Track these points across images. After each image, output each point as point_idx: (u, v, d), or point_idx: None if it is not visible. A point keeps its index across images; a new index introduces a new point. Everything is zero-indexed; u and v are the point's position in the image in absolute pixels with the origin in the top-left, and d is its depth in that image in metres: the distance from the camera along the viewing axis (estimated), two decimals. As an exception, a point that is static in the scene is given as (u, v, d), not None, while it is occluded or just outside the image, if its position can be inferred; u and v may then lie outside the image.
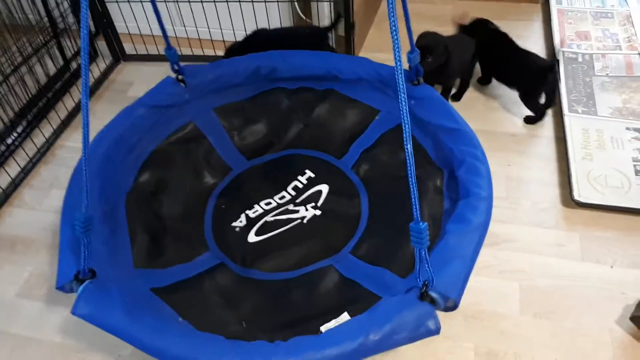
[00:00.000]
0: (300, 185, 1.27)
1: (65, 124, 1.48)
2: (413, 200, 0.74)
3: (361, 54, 1.65)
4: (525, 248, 1.14)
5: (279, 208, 1.22)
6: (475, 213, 0.96)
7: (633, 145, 1.29)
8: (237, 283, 1.07)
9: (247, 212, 1.21)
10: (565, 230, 1.16)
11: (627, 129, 1.33)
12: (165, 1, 1.59)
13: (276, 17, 1.58)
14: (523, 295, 1.06)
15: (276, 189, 1.26)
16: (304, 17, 1.67)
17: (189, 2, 1.56)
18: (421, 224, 0.75)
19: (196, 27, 1.62)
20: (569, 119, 1.35)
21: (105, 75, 1.64)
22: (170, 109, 1.26)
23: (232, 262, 1.11)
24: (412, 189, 0.73)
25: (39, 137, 1.43)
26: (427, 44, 1.29)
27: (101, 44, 1.69)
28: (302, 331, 0.88)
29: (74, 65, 1.63)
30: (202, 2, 1.54)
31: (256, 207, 1.22)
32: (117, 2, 1.56)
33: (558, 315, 1.02)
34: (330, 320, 0.93)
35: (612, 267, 1.09)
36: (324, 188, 1.26)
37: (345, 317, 0.93)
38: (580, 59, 1.52)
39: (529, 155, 1.32)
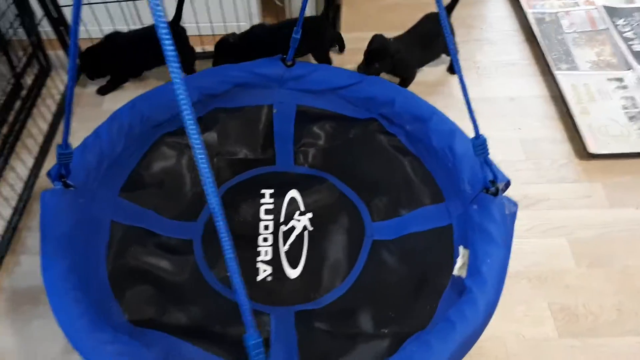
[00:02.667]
0: (271, 206, 1.19)
1: (44, 150, 1.31)
2: (471, 117, 0.85)
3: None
4: (559, 204, 1.21)
5: (277, 235, 1.15)
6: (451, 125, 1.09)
7: (618, 94, 1.41)
8: (330, 312, 1.02)
9: (260, 259, 1.11)
10: (588, 182, 1.25)
11: (609, 79, 1.45)
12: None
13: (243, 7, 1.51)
14: (573, 249, 1.13)
15: (252, 224, 1.16)
16: (278, 2, 1.60)
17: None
18: (481, 137, 0.86)
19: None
20: (558, 77, 1.44)
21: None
22: (81, 225, 0.94)
23: (302, 305, 1.04)
24: (468, 108, 0.84)
25: (17, 168, 1.25)
26: (376, 49, 1.33)
27: (58, 54, 1.49)
28: (437, 288, 0.95)
29: (26, 82, 1.43)
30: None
31: (260, 249, 1.12)
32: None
33: (608, 261, 1.12)
34: (455, 262, 0.95)
35: (637, 208, 1.20)
36: (294, 193, 1.22)
37: (463, 250, 0.95)
38: (547, 19, 1.62)
39: (533, 117, 1.40)
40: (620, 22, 1.59)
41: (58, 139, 1.36)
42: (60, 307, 0.79)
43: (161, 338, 0.91)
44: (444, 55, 1.48)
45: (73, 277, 0.84)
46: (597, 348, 1.00)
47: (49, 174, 0.94)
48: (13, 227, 1.16)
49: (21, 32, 1.38)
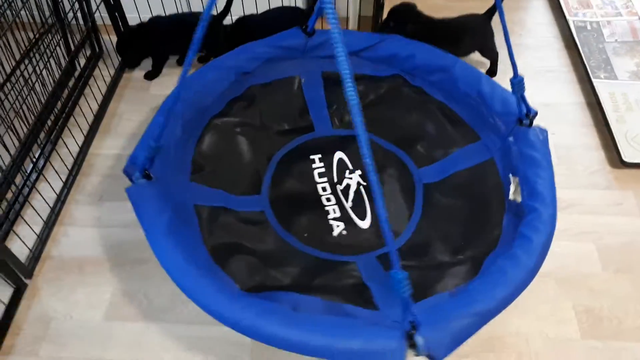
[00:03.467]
0: (322, 169, 1.28)
1: (94, 130, 1.38)
2: (511, 58, 1.00)
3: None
4: (590, 210, 1.23)
5: (337, 194, 1.23)
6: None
7: (656, 105, 1.41)
8: (407, 251, 1.10)
9: (330, 217, 1.19)
10: (619, 190, 1.26)
11: (647, 90, 1.45)
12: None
13: None
14: (601, 254, 1.15)
15: (311, 188, 1.24)
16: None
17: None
18: (519, 76, 1.00)
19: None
20: (596, 84, 1.45)
21: (120, 73, 1.53)
22: (173, 213, 0.97)
23: (380, 250, 1.12)
24: (509, 49, 0.99)
25: (65, 146, 1.32)
26: (395, 9, 1.42)
27: (113, 39, 1.56)
28: (497, 215, 1.07)
29: (79, 63, 1.51)
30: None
31: (328, 208, 1.20)
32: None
33: (635, 268, 1.13)
34: (508, 191, 1.09)
35: (668, 219, 1.21)
36: (340, 154, 1.30)
37: (512, 178, 1.08)
38: (589, 27, 1.62)
39: (567, 123, 1.41)
40: (663, 33, 1.59)
41: (107, 119, 1.42)
42: (196, 290, 0.85)
43: (279, 295, 0.97)
44: (485, 60, 1.50)
45: (191, 259, 0.89)
46: (619, 352, 1.01)
47: (125, 171, 0.98)
48: (62, 200, 1.23)
49: (79, 16, 1.46)
